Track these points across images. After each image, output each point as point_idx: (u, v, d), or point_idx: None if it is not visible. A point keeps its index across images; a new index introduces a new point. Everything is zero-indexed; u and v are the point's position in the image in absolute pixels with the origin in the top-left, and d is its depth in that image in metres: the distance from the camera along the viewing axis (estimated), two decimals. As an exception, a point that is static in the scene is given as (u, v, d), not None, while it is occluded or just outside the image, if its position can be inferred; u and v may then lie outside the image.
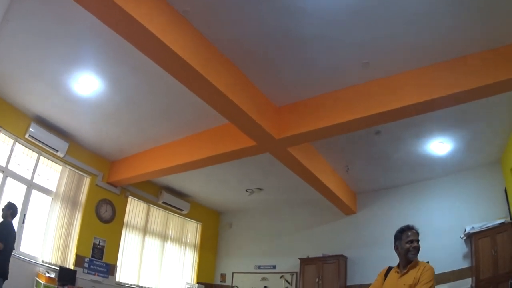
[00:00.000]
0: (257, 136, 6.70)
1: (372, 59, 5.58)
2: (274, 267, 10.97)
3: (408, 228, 3.68)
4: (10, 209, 6.68)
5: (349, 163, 8.51)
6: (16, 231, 6.82)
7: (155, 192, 11.32)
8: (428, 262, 3.55)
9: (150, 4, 4.66)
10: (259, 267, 11.27)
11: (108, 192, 10.19)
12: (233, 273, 11.82)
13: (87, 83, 6.96)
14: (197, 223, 12.59)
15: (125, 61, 6.26)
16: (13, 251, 6.71)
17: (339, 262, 9.36)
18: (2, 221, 6.56)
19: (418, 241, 3.59)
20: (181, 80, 5.62)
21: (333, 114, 6.11)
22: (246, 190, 10.63)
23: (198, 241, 12.47)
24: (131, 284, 10.23)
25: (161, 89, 6.90)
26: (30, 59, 6.54)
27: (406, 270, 3.50)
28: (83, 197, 9.67)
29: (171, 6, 5.00)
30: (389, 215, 9.14)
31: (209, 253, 12.58)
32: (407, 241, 3.59)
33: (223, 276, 12.08)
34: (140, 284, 10.46)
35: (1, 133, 7.93)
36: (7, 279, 6.35)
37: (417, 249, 3.57)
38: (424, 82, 5.48)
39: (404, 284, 3.41)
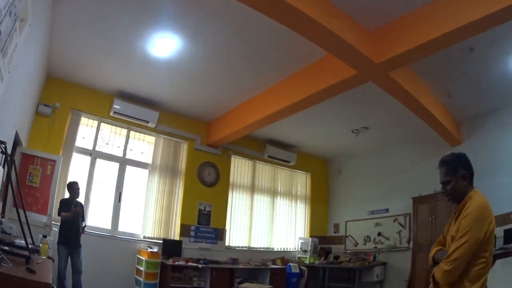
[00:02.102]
0: (356, 64, 5.81)
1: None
2: (387, 210, 9.81)
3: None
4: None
5: (448, 88, 7.23)
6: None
7: (259, 147, 10.43)
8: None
9: None
10: (372, 212, 10.18)
11: (209, 154, 9.53)
12: (346, 222, 10.74)
13: (164, 44, 6.14)
14: (306, 174, 11.57)
15: (198, 10, 5.35)
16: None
17: (450, 199, 7.96)
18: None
19: (446, 182, 2.70)
20: (274, 17, 4.82)
21: (428, 30, 5.06)
22: (352, 131, 9.49)
23: (308, 192, 11.49)
24: (242, 247, 9.68)
25: (244, 33, 5.88)
26: (98, 36, 6.05)
27: (457, 214, 2.64)
28: (182, 164, 9.14)
29: None
30: (496, 141, 7.99)
31: (320, 204, 11.57)
32: None
33: (336, 227, 11.13)
34: (252, 246, 9.88)
35: (82, 117, 7.47)
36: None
37: (446, 195, 2.73)
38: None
39: (451, 236, 2.60)
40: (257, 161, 10.49)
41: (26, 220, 3.79)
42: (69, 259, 6.25)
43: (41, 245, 4.63)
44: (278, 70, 6.99)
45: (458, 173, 2.64)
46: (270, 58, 6.57)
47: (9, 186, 4.78)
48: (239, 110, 8.51)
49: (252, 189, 10.27)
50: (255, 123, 8.15)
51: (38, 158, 6.30)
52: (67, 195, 6.63)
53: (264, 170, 10.64)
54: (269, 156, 10.38)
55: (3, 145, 3.27)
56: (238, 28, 5.74)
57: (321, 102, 7.11)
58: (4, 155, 3.49)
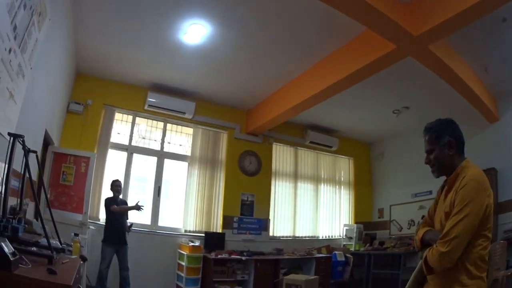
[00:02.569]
0: (395, 37, 5.38)
1: None
2: (430, 192, 9.18)
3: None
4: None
5: (483, 62, 6.67)
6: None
7: (300, 133, 10.00)
8: None
9: None
10: (416, 195, 9.57)
11: (249, 143, 9.19)
12: (390, 206, 10.21)
13: (195, 31, 5.83)
14: (349, 159, 11.04)
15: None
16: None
17: (491, 176, 7.54)
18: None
19: (430, 151, 2.38)
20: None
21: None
22: (393, 111, 8.97)
23: (352, 177, 10.98)
24: (286, 237, 9.30)
25: (276, 15, 5.47)
26: (126, 27, 5.82)
27: (448, 188, 2.27)
28: (222, 154, 8.84)
29: None
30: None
31: (364, 189, 11.03)
32: None
33: (380, 211, 10.63)
34: (296, 235, 9.49)
35: (116, 113, 7.30)
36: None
37: (430, 165, 2.39)
38: None
39: (444, 212, 2.19)
40: (299, 148, 10.05)
41: (52, 218, 3.59)
42: (114, 257, 6.14)
43: (72, 244, 4.43)
44: (314, 52, 6.53)
45: (442, 140, 2.34)
46: (305, 40, 6.14)
47: (34, 183, 4.60)
48: (277, 96, 8.11)
49: (295, 176, 9.84)
50: (294, 108, 7.71)
51: (71, 156, 6.18)
52: (107, 193, 6.51)
53: (307, 156, 10.18)
54: (311, 142, 9.91)
55: (21, 139, 3.06)
56: (270, 11, 5.36)
57: (360, 82, 6.62)
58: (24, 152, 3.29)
